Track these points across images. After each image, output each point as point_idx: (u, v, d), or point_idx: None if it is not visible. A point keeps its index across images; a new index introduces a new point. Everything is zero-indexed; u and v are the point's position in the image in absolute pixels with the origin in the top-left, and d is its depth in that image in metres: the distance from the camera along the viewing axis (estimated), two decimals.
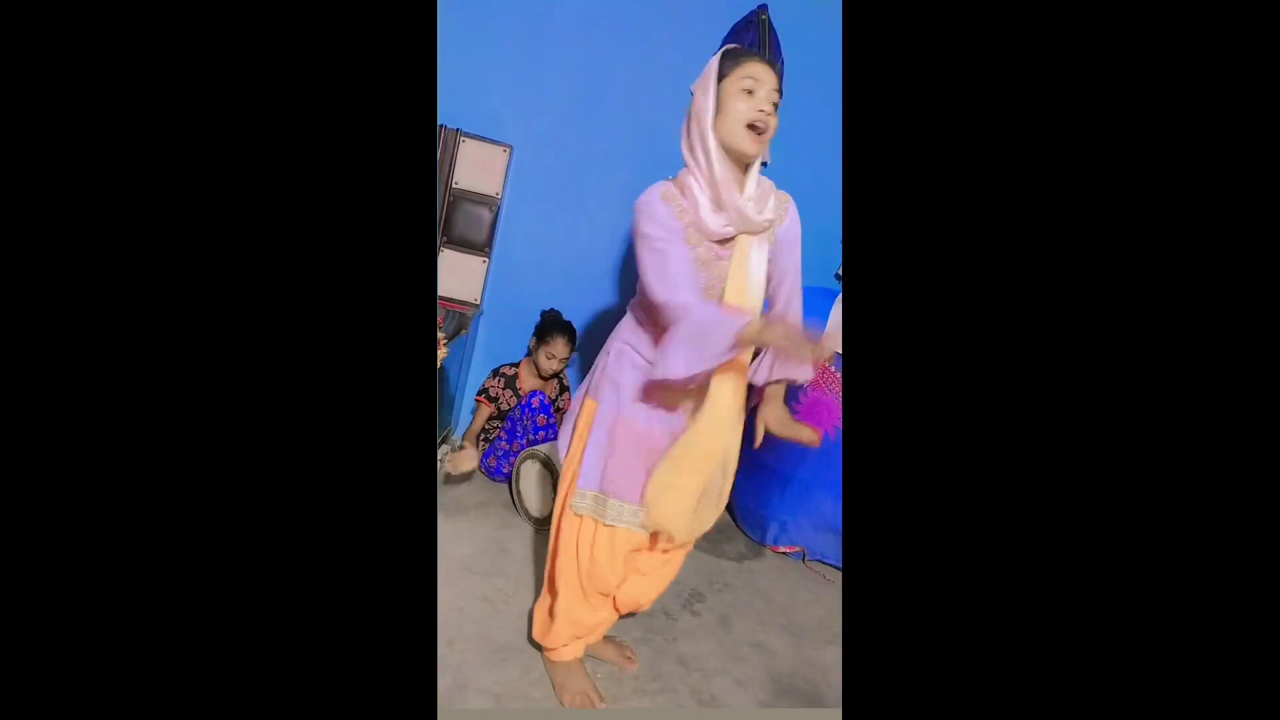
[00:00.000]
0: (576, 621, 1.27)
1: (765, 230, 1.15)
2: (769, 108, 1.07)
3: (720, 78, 1.09)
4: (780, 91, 1.09)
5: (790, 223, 1.20)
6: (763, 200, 1.15)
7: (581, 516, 1.20)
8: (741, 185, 1.12)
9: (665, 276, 1.06)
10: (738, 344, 0.99)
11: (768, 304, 1.23)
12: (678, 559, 1.35)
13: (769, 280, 1.18)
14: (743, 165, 1.12)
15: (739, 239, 1.13)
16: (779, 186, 1.21)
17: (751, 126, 1.07)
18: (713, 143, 1.09)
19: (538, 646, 1.38)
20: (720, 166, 1.09)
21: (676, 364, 1.02)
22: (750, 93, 1.06)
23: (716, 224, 1.11)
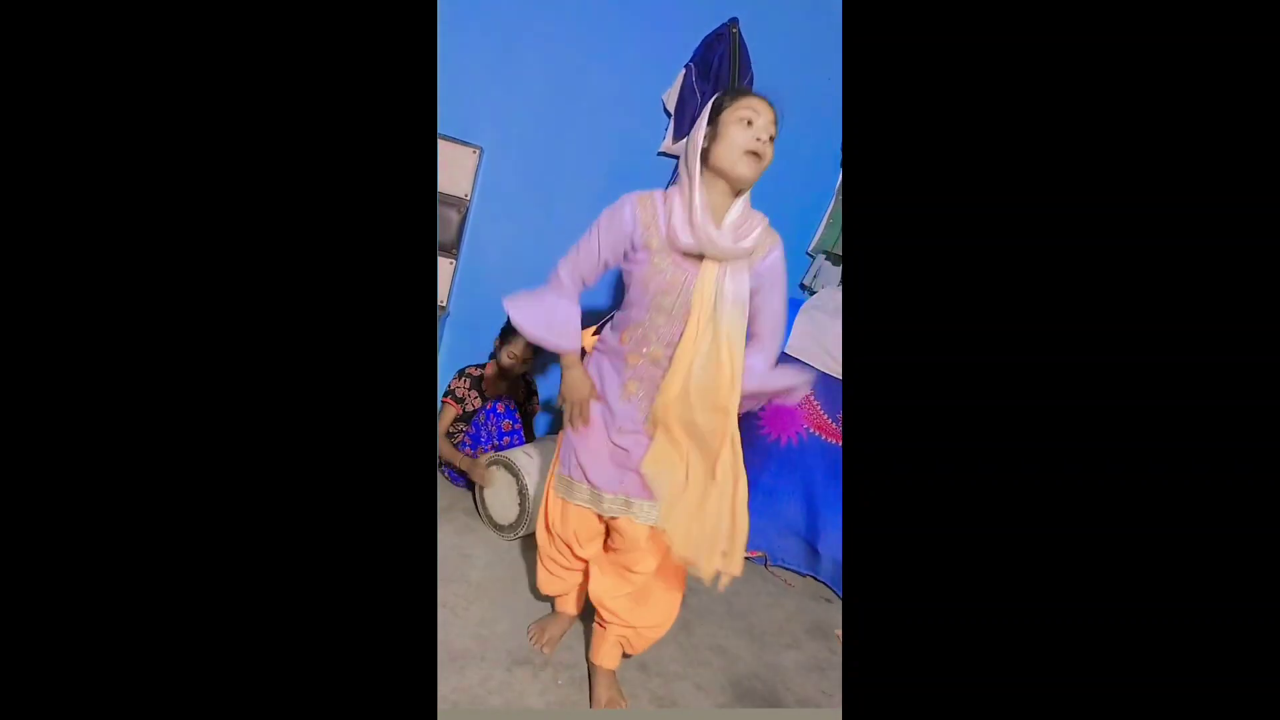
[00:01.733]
0: (551, 558, 1.46)
1: (735, 259, 1.17)
2: (765, 137, 1.12)
3: (719, 110, 1.15)
4: (776, 125, 1.14)
5: (771, 261, 1.22)
6: (745, 231, 1.17)
7: (560, 498, 1.39)
8: (723, 212, 1.16)
9: (575, 252, 1.27)
10: (559, 350, 1.29)
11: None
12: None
13: (753, 314, 1.23)
14: (735, 191, 1.17)
15: (706, 262, 1.16)
16: (767, 189, 1.24)
17: (751, 153, 1.12)
18: (698, 170, 1.15)
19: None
20: (700, 194, 1.15)
21: (521, 309, 1.28)
22: (749, 123, 1.12)
23: (684, 239, 1.15)
